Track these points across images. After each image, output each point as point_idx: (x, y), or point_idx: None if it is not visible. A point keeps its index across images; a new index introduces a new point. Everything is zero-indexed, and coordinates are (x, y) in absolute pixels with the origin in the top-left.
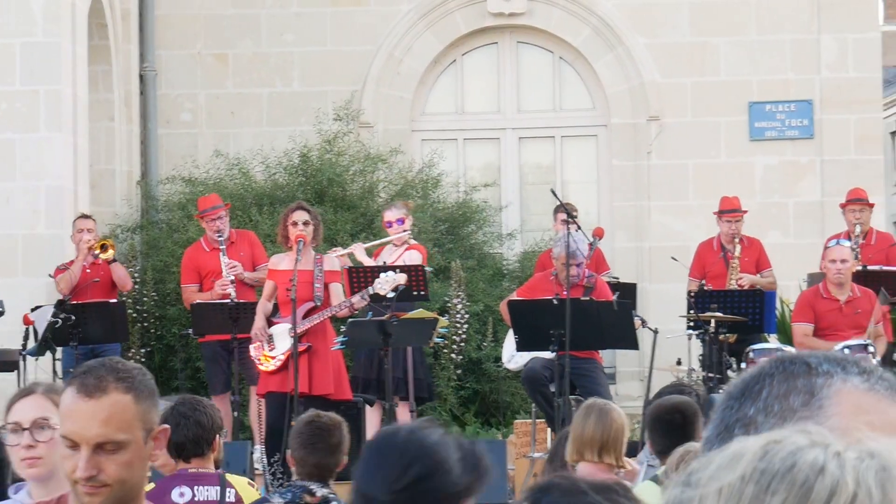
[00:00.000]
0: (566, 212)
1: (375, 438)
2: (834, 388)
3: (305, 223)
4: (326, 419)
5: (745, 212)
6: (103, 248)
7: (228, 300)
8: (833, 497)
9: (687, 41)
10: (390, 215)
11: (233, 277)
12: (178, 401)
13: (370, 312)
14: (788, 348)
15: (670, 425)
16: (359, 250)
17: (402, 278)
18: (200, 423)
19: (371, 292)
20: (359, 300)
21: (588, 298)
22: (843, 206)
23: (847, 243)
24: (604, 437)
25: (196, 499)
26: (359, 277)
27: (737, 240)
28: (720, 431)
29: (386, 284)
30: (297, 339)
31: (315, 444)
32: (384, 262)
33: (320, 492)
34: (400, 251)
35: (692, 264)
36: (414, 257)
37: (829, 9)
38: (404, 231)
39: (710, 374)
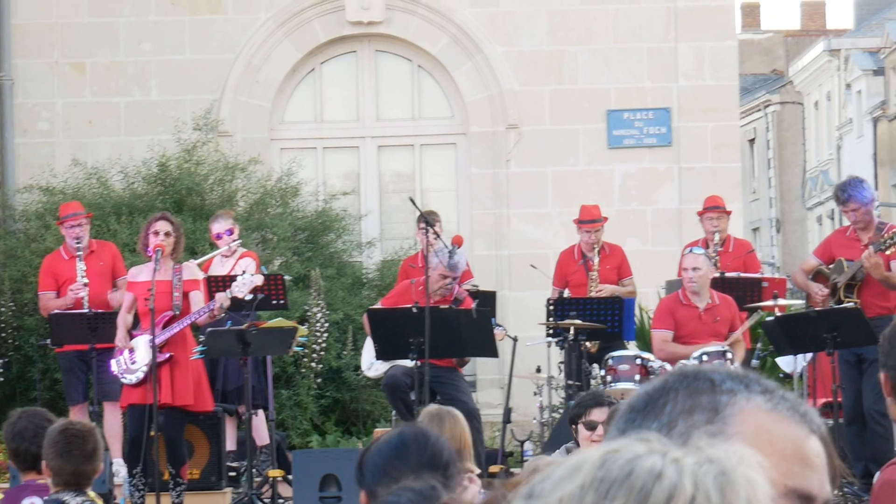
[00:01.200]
0: (425, 220)
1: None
2: (738, 407)
3: (167, 234)
4: (80, 426)
5: (605, 219)
6: None
7: (85, 310)
8: (671, 501)
9: (545, 49)
10: (218, 227)
11: (87, 281)
12: (30, 413)
13: (229, 322)
14: (647, 355)
15: None
16: (193, 268)
17: (258, 279)
18: None
19: (229, 296)
20: (218, 306)
21: (448, 307)
22: (700, 213)
23: (701, 251)
24: (455, 441)
25: None
26: (217, 286)
27: (596, 249)
28: None
29: (244, 287)
30: (158, 349)
31: (71, 452)
32: (242, 272)
33: (74, 502)
34: (232, 261)
35: (555, 273)
36: (248, 265)
37: (686, 17)
38: (235, 241)
39: (570, 382)
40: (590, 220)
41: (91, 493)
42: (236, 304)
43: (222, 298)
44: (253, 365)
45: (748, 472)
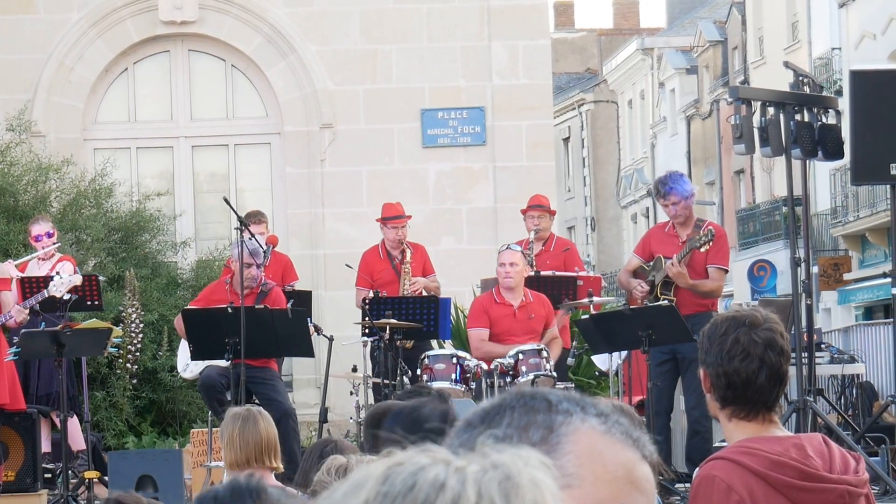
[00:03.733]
0: (240, 220)
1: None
2: (572, 427)
3: None
4: None
5: (409, 217)
6: None
7: None
8: None
9: (358, 49)
10: (38, 229)
11: None
12: None
13: (43, 323)
14: (464, 354)
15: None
16: (10, 268)
17: (77, 279)
18: None
19: (46, 296)
20: (15, 320)
21: (262, 306)
22: (524, 211)
23: (517, 248)
24: (262, 441)
25: None
26: (31, 287)
27: (405, 244)
28: None
29: (62, 286)
30: None
31: None
32: (57, 273)
33: None
34: (50, 264)
35: (358, 274)
36: (68, 268)
37: (500, 16)
38: (55, 244)
39: (386, 381)
40: (395, 216)
41: None
42: (51, 304)
43: (17, 312)
44: (66, 370)
45: (534, 474)
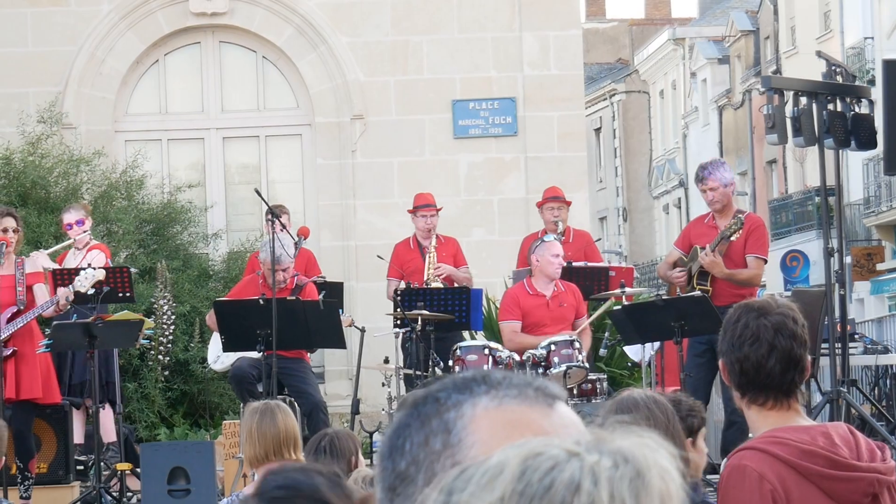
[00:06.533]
0: (271, 212)
1: None
2: (466, 418)
3: (14, 230)
4: None
5: (440, 208)
6: None
7: None
8: None
9: (389, 40)
10: (69, 217)
11: None
12: None
13: (75, 315)
14: (495, 345)
15: None
16: (42, 258)
17: (100, 274)
18: None
19: (72, 290)
20: (63, 300)
21: (294, 298)
22: (539, 204)
23: (558, 238)
24: (281, 434)
25: None
26: (63, 278)
27: (434, 235)
28: (388, 494)
29: (85, 281)
30: (3, 343)
31: None
32: (88, 265)
33: None
34: (83, 253)
35: (390, 265)
36: (98, 257)
37: (530, 6)
38: (85, 232)
39: (418, 373)
40: (425, 204)
41: None
42: (82, 296)
43: (65, 293)
44: (103, 358)
45: (661, 465)
